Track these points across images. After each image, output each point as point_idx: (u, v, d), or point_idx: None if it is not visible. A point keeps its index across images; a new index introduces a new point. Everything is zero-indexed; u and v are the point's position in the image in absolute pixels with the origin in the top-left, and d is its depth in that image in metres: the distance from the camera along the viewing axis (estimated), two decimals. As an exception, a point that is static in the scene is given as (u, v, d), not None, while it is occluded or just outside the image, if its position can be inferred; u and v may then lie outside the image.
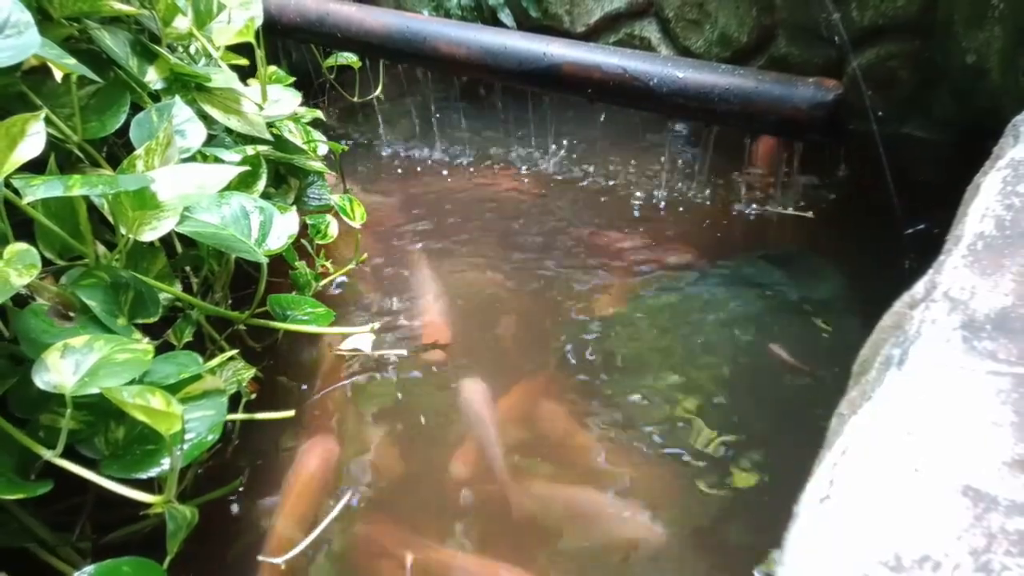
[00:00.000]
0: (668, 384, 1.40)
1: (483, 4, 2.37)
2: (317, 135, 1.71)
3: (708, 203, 1.99)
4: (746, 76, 1.77)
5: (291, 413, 1.21)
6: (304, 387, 1.44)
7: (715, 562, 1.10)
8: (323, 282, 1.57)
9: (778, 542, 0.52)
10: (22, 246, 0.87)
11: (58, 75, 1.07)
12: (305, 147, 1.61)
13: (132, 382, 0.87)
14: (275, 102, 1.50)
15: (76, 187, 0.89)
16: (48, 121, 0.98)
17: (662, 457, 1.25)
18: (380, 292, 1.71)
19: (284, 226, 1.21)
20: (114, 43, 1.23)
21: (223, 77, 1.37)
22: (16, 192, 0.89)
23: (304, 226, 1.53)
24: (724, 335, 1.52)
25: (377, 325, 1.51)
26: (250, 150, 1.33)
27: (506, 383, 1.44)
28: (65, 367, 0.86)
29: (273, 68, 1.71)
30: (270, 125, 1.45)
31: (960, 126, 1.74)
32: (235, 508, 1.21)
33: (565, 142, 2.31)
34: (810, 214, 1.90)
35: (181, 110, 1.20)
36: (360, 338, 1.43)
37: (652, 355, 1.49)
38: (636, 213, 1.98)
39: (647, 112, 2.01)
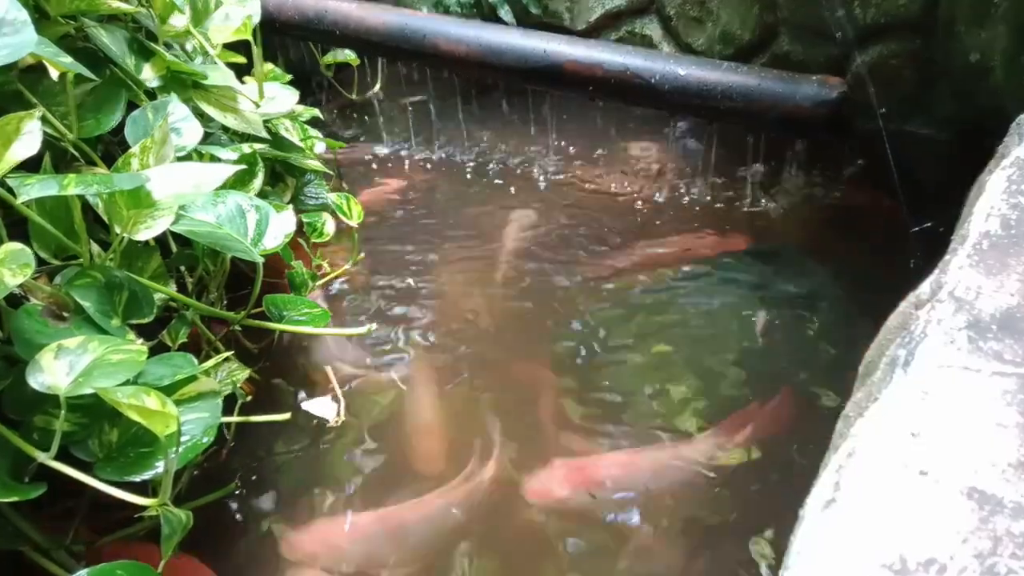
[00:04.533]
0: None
1: (483, 1, 2.36)
2: (314, 133, 1.70)
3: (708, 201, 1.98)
4: (749, 73, 1.76)
5: (287, 416, 1.20)
6: (301, 391, 1.43)
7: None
8: (320, 282, 1.56)
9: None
10: (16, 245, 0.86)
11: (54, 73, 1.06)
12: (302, 145, 1.60)
13: (126, 383, 0.86)
14: (272, 100, 1.49)
15: (71, 186, 0.89)
16: (44, 119, 0.98)
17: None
18: (376, 292, 1.70)
19: (280, 225, 1.20)
20: (111, 41, 1.22)
21: (220, 75, 1.36)
22: (11, 191, 0.89)
23: (301, 225, 1.52)
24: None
25: (375, 326, 1.50)
26: (246, 148, 1.32)
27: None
28: (59, 368, 0.86)
29: (270, 66, 1.70)
30: (267, 123, 1.45)
31: (963, 124, 1.73)
32: (231, 511, 1.20)
33: (567, 140, 2.30)
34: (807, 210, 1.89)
35: (177, 108, 1.20)
36: (322, 404, 1.35)
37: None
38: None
39: (649, 109, 2.00)
